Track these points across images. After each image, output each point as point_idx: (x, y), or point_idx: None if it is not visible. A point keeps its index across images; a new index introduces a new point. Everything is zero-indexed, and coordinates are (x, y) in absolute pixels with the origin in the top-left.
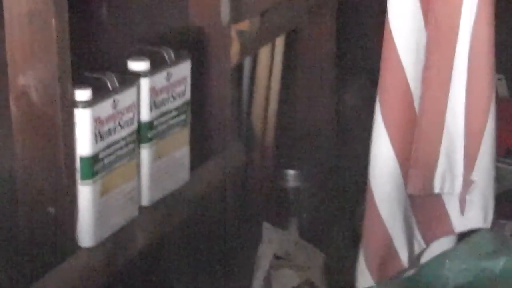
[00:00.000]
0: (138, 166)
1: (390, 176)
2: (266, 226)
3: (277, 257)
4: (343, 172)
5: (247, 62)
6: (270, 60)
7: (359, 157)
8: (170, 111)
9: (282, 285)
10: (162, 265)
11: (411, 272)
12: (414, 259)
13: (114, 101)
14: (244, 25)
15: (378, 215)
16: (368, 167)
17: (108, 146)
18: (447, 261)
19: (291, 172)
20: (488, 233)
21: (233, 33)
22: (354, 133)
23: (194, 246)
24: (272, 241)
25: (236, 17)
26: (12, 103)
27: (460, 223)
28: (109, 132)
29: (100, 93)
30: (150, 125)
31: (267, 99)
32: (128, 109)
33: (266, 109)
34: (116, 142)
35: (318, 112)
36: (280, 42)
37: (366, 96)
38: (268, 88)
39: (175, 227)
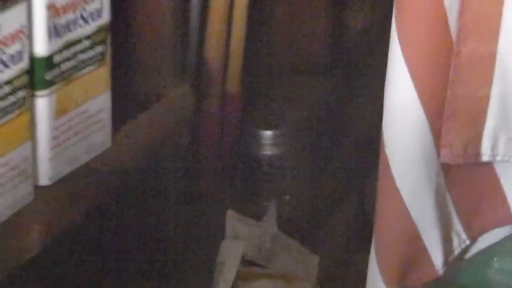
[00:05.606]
0: (31, 125)
1: (414, 136)
2: (231, 215)
3: (248, 262)
4: (343, 132)
5: None
6: None
7: (367, 108)
8: (80, 40)
9: None
10: (70, 272)
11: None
12: (452, 261)
13: None
14: None
15: (397, 196)
16: (382, 123)
17: None
18: (495, 259)
19: (266, 133)
20: None
21: None
22: (360, 75)
23: (118, 245)
24: (240, 237)
25: None
26: None
27: None
28: None
29: None
30: (48, 61)
31: (228, 26)
32: (14, 37)
33: (227, 40)
34: None
35: (307, 45)
36: None
37: (376, 18)
38: (230, 8)
39: (89, 216)
